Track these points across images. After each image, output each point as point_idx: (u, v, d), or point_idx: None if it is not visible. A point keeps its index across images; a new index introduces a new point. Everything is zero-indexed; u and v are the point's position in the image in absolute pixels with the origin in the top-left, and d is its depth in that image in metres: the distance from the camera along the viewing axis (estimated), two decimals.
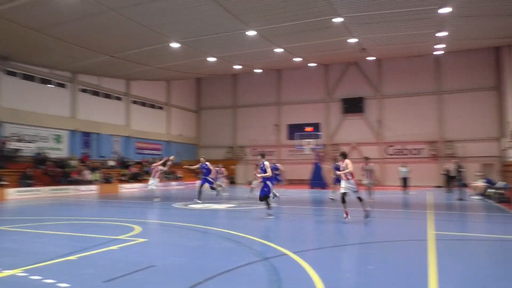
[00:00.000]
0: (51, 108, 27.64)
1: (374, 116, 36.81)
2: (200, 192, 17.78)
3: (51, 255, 6.80)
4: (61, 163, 26.44)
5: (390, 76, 36.40)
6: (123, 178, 30.02)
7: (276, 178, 21.27)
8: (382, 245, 8.18)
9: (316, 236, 9.68)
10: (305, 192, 25.65)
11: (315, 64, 35.72)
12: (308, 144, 33.81)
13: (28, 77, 26.46)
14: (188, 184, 35.81)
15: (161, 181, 20.16)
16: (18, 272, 5.62)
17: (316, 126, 38.10)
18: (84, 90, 30.57)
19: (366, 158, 18.85)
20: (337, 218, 11.90)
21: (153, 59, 27.78)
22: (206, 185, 18.19)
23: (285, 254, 6.92)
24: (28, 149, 25.72)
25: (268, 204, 11.84)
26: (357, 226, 10.48)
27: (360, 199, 11.26)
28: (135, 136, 35.31)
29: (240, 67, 33.42)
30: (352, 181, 11.16)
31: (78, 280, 5.26)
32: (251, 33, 22.65)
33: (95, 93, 31.71)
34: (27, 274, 5.50)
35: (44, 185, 23.29)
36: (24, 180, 22.51)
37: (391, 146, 36.17)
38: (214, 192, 19.00)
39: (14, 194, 21.01)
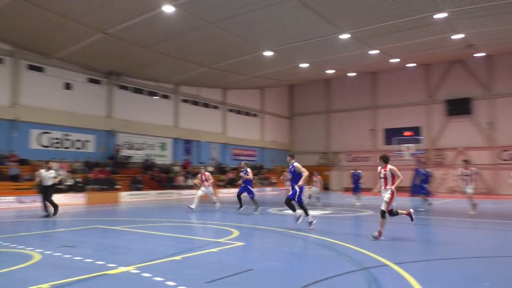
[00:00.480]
0: (157, 118, 30.06)
1: (484, 117, 33.42)
2: (239, 200, 15.98)
3: (158, 254, 7.31)
4: (165, 169, 28.51)
5: (503, 73, 32.76)
6: (220, 183, 31.34)
7: (357, 186, 20.30)
8: (497, 260, 7.30)
9: (418, 247, 9.00)
10: (405, 200, 24.18)
11: (414, 65, 33.73)
12: (407, 149, 31.91)
13: (138, 90, 29.15)
14: (283, 189, 36.06)
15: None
16: (132, 269, 6.12)
17: (416, 130, 35.80)
18: (185, 100, 32.71)
19: (466, 162, 16.18)
20: (439, 229, 10.95)
21: (248, 68, 28.69)
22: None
23: (386, 265, 6.54)
24: (137, 156, 28.25)
25: (303, 209, 10.79)
26: (462, 237, 9.51)
27: (386, 213, 9.16)
28: (231, 143, 36.71)
29: (333, 71, 32.92)
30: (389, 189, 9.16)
31: (183, 279, 5.55)
32: (345, 36, 22.19)
33: (195, 103, 33.73)
34: (139, 272, 5.96)
35: (151, 189, 25.33)
36: (134, 184, 24.73)
37: (506, 150, 32.45)
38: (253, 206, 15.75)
39: (126, 197, 23.19)
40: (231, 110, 37.36)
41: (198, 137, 33.31)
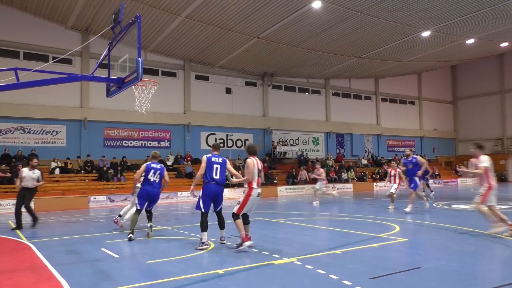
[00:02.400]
0: (309, 114, 30.62)
1: None
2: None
3: (319, 247, 7.40)
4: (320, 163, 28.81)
5: None
6: (376, 176, 30.17)
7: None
8: None
9: None
10: None
11: None
12: None
13: (289, 88, 30.19)
14: (447, 182, 32.78)
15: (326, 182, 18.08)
16: (295, 260, 6.34)
17: None
18: (336, 94, 32.50)
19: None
20: None
21: (402, 53, 26.90)
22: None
23: None
24: (291, 151, 29.26)
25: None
26: None
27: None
28: (386, 134, 34.99)
29: (507, 44, 28.35)
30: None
31: (345, 273, 5.48)
32: None
33: (346, 95, 33.20)
34: (302, 263, 6.12)
35: (306, 183, 25.91)
36: (290, 179, 25.68)
37: None
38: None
39: (283, 191, 24.27)
40: (384, 100, 35.58)
41: (350, 130, 32.71)
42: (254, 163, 7.33)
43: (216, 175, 7.51)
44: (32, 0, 19.18)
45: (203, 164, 7.55)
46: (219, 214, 7.84)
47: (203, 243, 7.44)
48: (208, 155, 7.68)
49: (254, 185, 7.21)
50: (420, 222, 10.80)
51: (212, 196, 7.51)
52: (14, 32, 20.32)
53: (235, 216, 7.25)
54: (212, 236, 8.20)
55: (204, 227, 7.48)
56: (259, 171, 7.38)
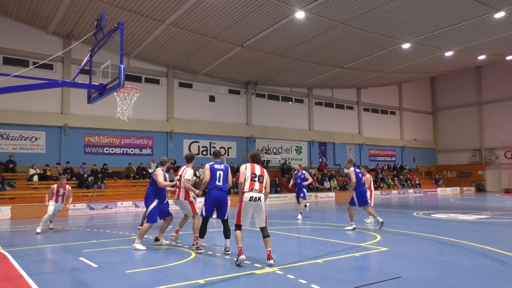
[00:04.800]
0: (292, 122, 30.78)
1: None
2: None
3: (301, 256, 7.40)
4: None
5: None
6: None
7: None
8: None
9: None
10: None
11: None
12: None
13: (273, 97, 30.33)
14: (427, 191, 33.33)
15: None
16: (276, 270, 6.31)
17: None
18: (319, 103, 32.79)
19: None
20: None
21: (383, 64, 27.39)
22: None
23: None
24: (275, 160, 29.32)
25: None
26: None
27: None
28: (368, 143, 35.42)
29: (484, 57, 29.18)
30: None
31: (327, 283, 5.49)
32: (499, 15, 19.53)
33: (329, 105, 33.54)
34: (283, 273, 6.10)
35: (289, 192, 25.93)
36: (273, 187, 25.67)
37: None
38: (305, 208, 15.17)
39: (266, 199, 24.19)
40: (366, 109, 36.08)
41: (333, 139, 33.01)
42: (247, 167, 7.07)
43: (219, 181, 7.74)
44: (13, 4, 18.84)
45: (207, 172, 7.75)
46: (225, 223, 7.83)
47: (197, 247, 7.71)
48: (210, 163, 7.91)
49: (246, 189, 6.96)
50: (400, 231, 10.92)
51: (215, 202, 7.67)
52: None
53: (236, 227, 7.00)
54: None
55: (202, 233, 7.74)
56: (255, 175, 7.01)
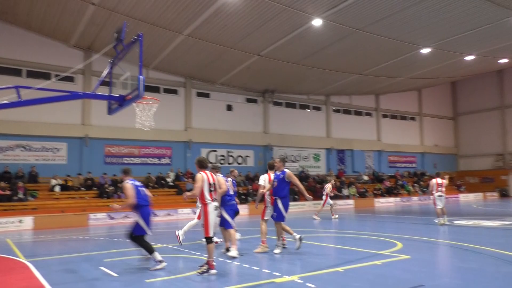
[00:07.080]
0: (309, 130, 30.64)
1: None
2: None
3: (321, 265, 7.31)
4: (320, 180, 28.73)
5: None
6: (377, 192, 30.02)
7: None
8: None
9: None
10: None
11: None
12: None
13: (290, 105, 30.29)
14: (449, 197, 32.59)
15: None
16: (296, 278, 6.25)
17: None
18: (336, 110, 32.57)
19: None
20: None
21: (402, 69, 27.10)
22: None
23: None
24: (292, 168, 29.18)
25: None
26: None
27: None
28: (387, 150, 34.92)
29: (506, 60, 28.57)
30: None
31: None
32: None
33: (347, 112, 33.26)
34: (303, 282, 6.04)
35: (307, 200, 25.75)
36: (291, 195, 25.52)
37: None
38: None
39: None
40: (385, 116, 35.62)
41: (351, 146, 32.67)
42: (203, 177, 6.88)
43: (231, 191, 8.85)
44: (36, 19, 19.44)
45: (226, 183, 8.52)
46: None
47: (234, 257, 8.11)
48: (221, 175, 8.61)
49: (208, 200, 6.86)
50: (422, 238, 10.69)
51: (235, 210, 8.91)
52: (17, 50, 20.51)
53: (208, 239, 6.78)
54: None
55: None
56: (210, 185, 6.91)
